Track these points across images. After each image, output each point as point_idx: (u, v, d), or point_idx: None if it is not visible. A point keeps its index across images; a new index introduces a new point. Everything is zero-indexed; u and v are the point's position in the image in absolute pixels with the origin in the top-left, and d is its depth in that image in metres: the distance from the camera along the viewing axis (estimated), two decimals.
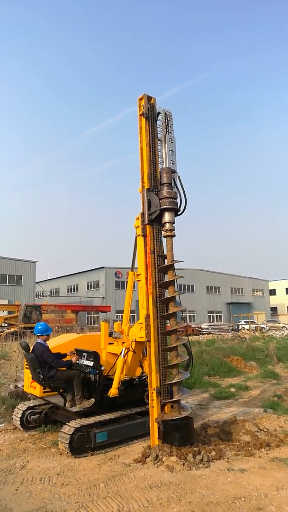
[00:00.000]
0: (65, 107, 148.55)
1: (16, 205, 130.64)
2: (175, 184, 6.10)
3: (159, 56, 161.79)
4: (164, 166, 6.14)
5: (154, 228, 5.99)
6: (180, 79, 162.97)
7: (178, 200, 6.02)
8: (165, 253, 5.99)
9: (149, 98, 6.23)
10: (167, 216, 5.93)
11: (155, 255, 5.93)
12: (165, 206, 5.88)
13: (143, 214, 5.96)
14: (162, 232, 6.01)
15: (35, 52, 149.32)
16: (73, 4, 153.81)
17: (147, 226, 5.93)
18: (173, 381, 5.62)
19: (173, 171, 6.13)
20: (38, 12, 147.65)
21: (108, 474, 4.85)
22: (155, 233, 5.99)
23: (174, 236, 5.95)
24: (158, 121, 6.33)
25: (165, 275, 5.98)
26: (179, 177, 6.15)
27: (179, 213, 6.06)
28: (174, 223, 5.97)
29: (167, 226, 5.92)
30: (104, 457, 5.44)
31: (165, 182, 6.02)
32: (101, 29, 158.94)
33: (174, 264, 5.87)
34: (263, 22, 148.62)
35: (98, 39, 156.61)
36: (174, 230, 5.95)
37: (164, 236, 6.00)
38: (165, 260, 5.97)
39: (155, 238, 5.98)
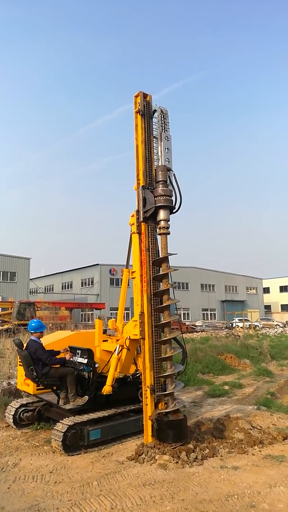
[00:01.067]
0: (61, 104, 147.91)
1: (11, 201, 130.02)
2: (171, 182, 6.08)
3: (157, 53, 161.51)
4: (160, 164, 6.11)
5: (149, 226, 5.98)
6: (177, 76, 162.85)
7: (173, 198, 6.01)
8: (159, 250, 5.98)
9: (145, 96, 6.20)
10: (162, 214, 5.91)
11: (150, 252, 5.91)
12: (160, 204, 5.86)
13: (138, 211, 5.94)
14: (157, 229, 6.00)
15: (32, 49, 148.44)
16: (70, 1, 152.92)
17: (142, 223, 5.91)
18: (166, 374, 5.62)
19: (169, 169, 6.10)
20: (36, 7, 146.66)
21: (101, 472, 4.84)
22: (150, 231, 5.97)
23: (169, 233, 5.94)
24: (154, 119, 6.30)
25: (160, 268, 5.97)
26: (174, 175, 6.13)
27: (174, 211, 6.04)
28: (169, 220, 5.96)
29: (162, 223, 5.90)
30: (97, 455, 5.43)
31: (160, 180, 5.99)
32: (98, 25, 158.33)
33: (169, 260, 5.86)
34: (262, 17, 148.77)
35: (95, 35, 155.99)
36: (169, 227, 5.94)
37: (158, 234, 5.99)
38: (160, 269, 5.93)
39: (150, 235, 5.96)
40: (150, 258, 5.91)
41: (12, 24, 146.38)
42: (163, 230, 5.91)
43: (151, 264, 5.90)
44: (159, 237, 6.01)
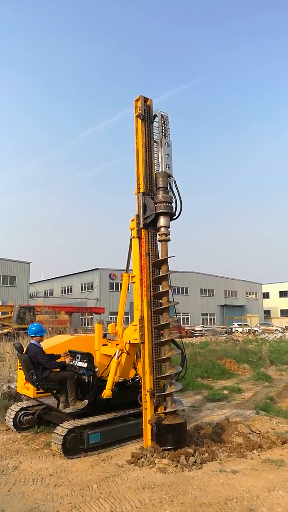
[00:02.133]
0: (62, 108, 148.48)
1: (11, 205, 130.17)
2: (171, 189, 6.11)
3: (157, 58, 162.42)
4: (160, 170, 6.14)
5: (149, 232, 6.01)
6: (178, 81, 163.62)
7: (173, 205, 6.03)
8: (159, 255, 6.01)
9: (145, 100, 6.26)
10: (162, 221, 5.93)
11: (150, 257, 5.95)
12: (160, 210, 5.88)
13: (138, 216, 5.97)
14: (157, 236, 6.02)
15: (31, 53, 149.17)
16: (71, 6, 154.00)
17: (142, 230, 5.94)
18: (165, 375, 5.65)
19: (169, 175, 6.13)
20: (36, 13, 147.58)
21: (101, 475, 4.86)
22: (150, 237, 6.01)
23: (169, 240, 5.96)
24: (154, 123, 6.35)
25: (159, 271, 6.00)
26: (175, 181, 6.16)
27: (174, 217, 6.07)
28: (169, 227, 5.97)
29: (162, 230, 5.93)
30: (97, 458, 5.44)
31: (160, 186, 6.02)
32: (99, 30, 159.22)
33: (168, 264, 5.89)
34: (262, 25, 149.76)
35: (96, 40, 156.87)
36: (169, 234, 5.96)
37: (159, 240, 6.01)
38: (160, 271, 5.96)
39: (150, 240, 6.00)
40: (150, 263, 5.94)
41: (13, 28, 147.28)
42: (163, 237, 5.94)
43: (151, 268, 5.94)
44: (159, 243, 6.04)
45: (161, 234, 5.95)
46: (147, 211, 5.90)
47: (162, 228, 5.93)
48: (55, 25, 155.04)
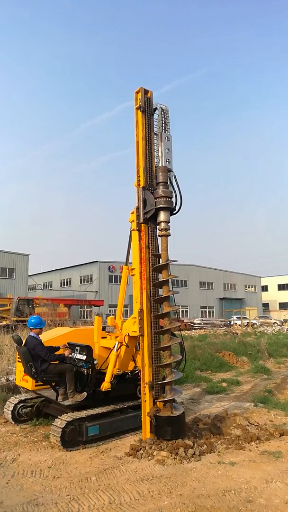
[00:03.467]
0: (62, 100, 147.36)
1: (10, 197, 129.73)
2: (171, 183, 6.05)
3: (158, 50, 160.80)
4: (160, 165, 6.07)
5: (149, 227, 5.97)
6: (179, 73, 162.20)
7: (173, 199, 5.98)
8: (160, 251, 5.97)
9: (145, 92, 6.19)
10: (162, 215, 5.89)
11: (150, 249, 5.92)
12: (160, 206, 5.83)
13: (138, 209, 5.92)
14: (157, 231, 5.98)
15: (31, 45, 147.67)
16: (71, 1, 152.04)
17: (142, 224, 5.90)
18: (165, 381, 5.63)
19: (169, 170, 6.07)
20: (36, 7, 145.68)
21: (100, 467, 4.87)
22: (150, 232, 5.97)
23: (169, 235, 5.91)
24: (154, 116, 6.27)
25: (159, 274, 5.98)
26: (175, 176, 6.10)
27: (174, 212, 6.02)
28: (169, 222, 5.93)
29: (162, 225, 5.88)
30: (95, 451, 5.46)
31: (161, 181, 5.96)
32: (98, 22, 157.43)
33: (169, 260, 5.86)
34: (264, 16, 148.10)
35: (96, 32, 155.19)
36: (169, 229, 5.91)
37: (159, 235, 5.97)
38: (160, 260, 5.94)
39: (150, 233, 5.97)
40: (150, 255, 5.91)
41: (14, 23, 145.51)
42: (163, 231, 5.89)
43: (150, 261, 5.91)
44: (159, 238, 5.99)
45: (161, 229, 5.90)
46: (147, 206, 5.85)
47: (163, 223, 5.88)
48: (56, 17, 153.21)
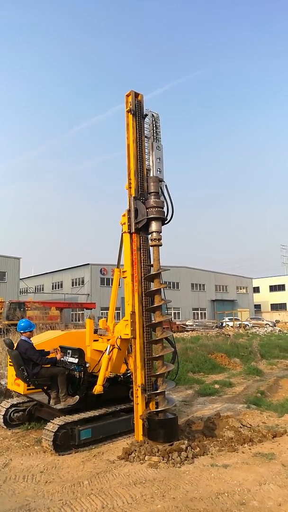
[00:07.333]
0: (56, 102, 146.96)
1: (1, 199, 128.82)
2: (162, 193, 6.04)
3: (151, 54, 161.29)
4: (151, 175, 6.07)
5: (141, 237, 5.96)
6: (171, 76, 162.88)
7: (165, 209, 5.98)
8: (151, 262, 5.95)
9: (136, 95, 6.20)
10: (154, 225, 5.88)
11: (141, 252, 5.91)
12: (152, 216, 5.83)
13: (129, 218, 5.89)
14: (149, 241, 5.96)
15: (28, 48, 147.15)
16: (67, 2, 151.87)
17: (133, 234, 5.88)
18: (158, 373, 5.63)
19: (161, 180, 6.07)
20: (35, 9, 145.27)
21: (92, 471, 4.84)
22: (142, 241, 5.95)
23: (161, 245, 5.90)
24: (145, 122, 6.27)
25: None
26: (166, 185, 6.10)
27: (166, 222, 6.02)
28: (161, 232, 5.92)
29: (154, 235, 5.87)
30: (88, 454, 5.42)
31: (152, 191, 5.95)
32: (94, 25, 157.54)
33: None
34: (261, 19, 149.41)
35: (92, 35, 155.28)
36: (161, 239, 5.90)
37: (151, 245, 5.95)
38: (151, 269, 5.92)
39: (142, 245, 5.94)
40: (141, 257, 5.90)
41: (13, 25, 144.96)
42: (155, 241, 5.88)
43: (142, 263, 5.90)
44: (151, 248, 5.97)
45: (153, 239, 5.88)
46: (139, 216, 5.83)
47: (154, 233, 5.87)
48: (52, 19, 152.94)
